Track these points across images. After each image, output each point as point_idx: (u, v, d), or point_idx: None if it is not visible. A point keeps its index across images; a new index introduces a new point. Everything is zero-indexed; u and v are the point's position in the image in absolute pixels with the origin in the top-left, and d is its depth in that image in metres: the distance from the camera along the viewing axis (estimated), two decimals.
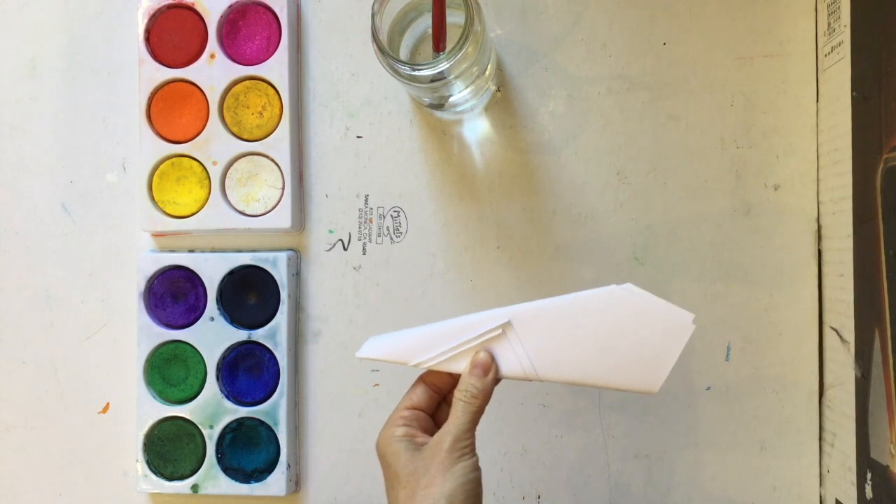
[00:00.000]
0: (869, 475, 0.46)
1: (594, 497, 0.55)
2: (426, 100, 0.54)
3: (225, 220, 0.57)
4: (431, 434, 0.44)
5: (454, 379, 0.44)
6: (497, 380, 0.44)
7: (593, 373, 0.43)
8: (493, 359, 0.43)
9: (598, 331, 0.43)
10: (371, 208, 0.57)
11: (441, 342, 0.44)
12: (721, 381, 0.55)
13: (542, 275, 0.56)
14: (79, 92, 0.60)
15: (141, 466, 0.57)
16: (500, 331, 0.43)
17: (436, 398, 0.45)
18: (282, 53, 0.56)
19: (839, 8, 0.50)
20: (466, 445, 0.42)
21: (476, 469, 0.42)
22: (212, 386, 0.57)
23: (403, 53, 0.52)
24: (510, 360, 0.43)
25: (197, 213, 0.57)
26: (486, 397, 0.43)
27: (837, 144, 0.50)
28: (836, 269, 0.51)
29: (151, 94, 0.57)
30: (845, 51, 0.49)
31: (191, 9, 0.57)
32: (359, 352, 0.45)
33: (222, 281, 0.57)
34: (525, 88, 0.56)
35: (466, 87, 0.51)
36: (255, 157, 0.57)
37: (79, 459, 0.60)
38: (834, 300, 0.52)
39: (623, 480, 0.55)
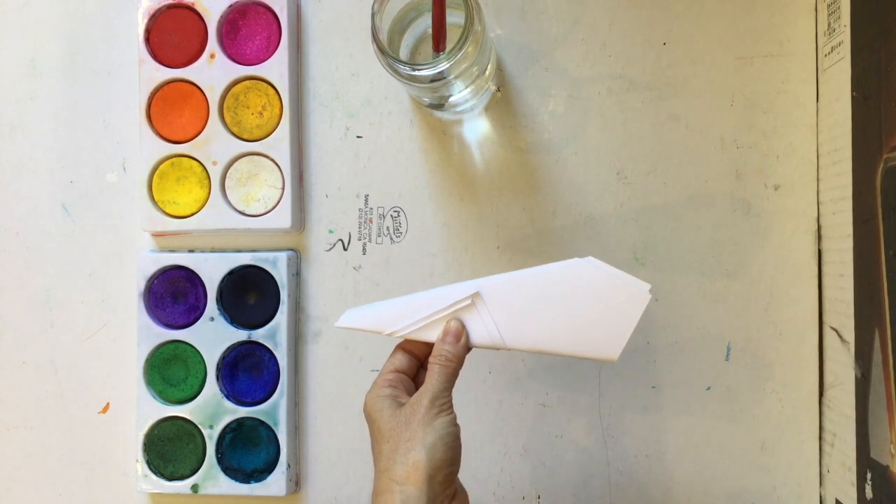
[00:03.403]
0: (869, 475, 0.46)
1: (594, 497, 0.55)
2: (426, 100, 0.54)
3: (225, 220, 0.57)
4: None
5: (429, 347, 0.46)
6: (469, 348, 0.46)
7: (557, 342, 0.45)
8: (463, 326, 0.45)
9: (562, 301, 0.45)
10: (371, 208, 0.57)
11: (414, 312, 0.46)
12: (721, 381, 0.55)
13: None
14: (79, 92, 0.60)
15: (141, 466, 0.57)
16: (469, 301, 0.45)
17: (415, 363, 0.47)
18: (282, 53, 0.56)
19: (839, 8, 0.50)
20: (444, 403, 0.44)
21: (454, 424, 0.44)
22: (212, 386, 0.57)
23: (403, 53, 0.52)
24: (479, 329, 0.46)
25: (197, 213, 0.57)
26: (459, 362, 0.45)
27: (837, 144, 0.50)
28: (836, 269, 0.51)
29: (151, 94, 0.57)
30: (845, 51, 0.49)
31: (191, 9, 0.57)
32: (337, 322, 0.47)
33: (222, 281, 0.57)
34: (525, 88, 0.56)
35: (466, 87, 0.51)
36: (255, 157, 0.57)
37: (79, 459, 0.60)
38: (834, 300, 0.52)
39: (623, 480, 0.55)
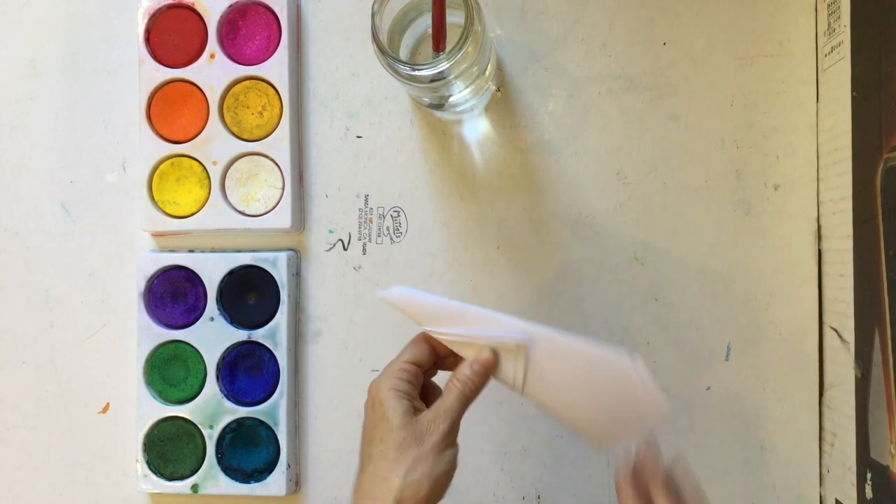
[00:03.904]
0: (869, 475, 0.46)
1: (594, 497, 0.55)
2: (426, 100, 0.54)
3: (225, 220, 0.57)
4: (421, 394, 0.46)
5: (453, 352, 0.46)
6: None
7: (567, 412, 0.46)
8: (496, 363, 0.45)
9: (591, 383, 0.45)
10: (371, 208, 0.57)
11: (460, 323, 0.45)
12: (721, 381, 0.55)
13: (542, 275, 0.56)
14: (79, 92, 0.60)
15: (141, 466, 0.57)
16: (513, 344, 0.45)
17: (433, 359, 0.47)
18: (282, 53, 0.56)
19: (839, 8, 0.50)
20: (455, 435, 0.44)
21: (456, 458, 0.44)
22: (212, 386, 0.57)
23: (403, 53, 0.52)
24: (507, 370, 0.45)
25: (197, 213, 0.57)
26: (478, 392, 0.45)
27: (837, 144, 0.50)
28: (836, 269, 0.51)
29: (151, 94, 0.57)
30: (845, 51, 0.49)
31: (191, 9, 0.57)
32: (382, 292, 0.46)
33: (222, 281, 0.57)
34: (525, 88, 0.56)
35: (466, 87, 0.51)
36: (255, 157, 0.57)
37: (79, 459, 0.60)
38: (834, 300, 0.52)
39: None
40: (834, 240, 0.51)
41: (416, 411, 0.44)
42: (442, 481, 0.42)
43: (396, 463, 0.42)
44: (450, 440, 0.43)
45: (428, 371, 0.47)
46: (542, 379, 0.45)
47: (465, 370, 0.44)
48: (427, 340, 0.46)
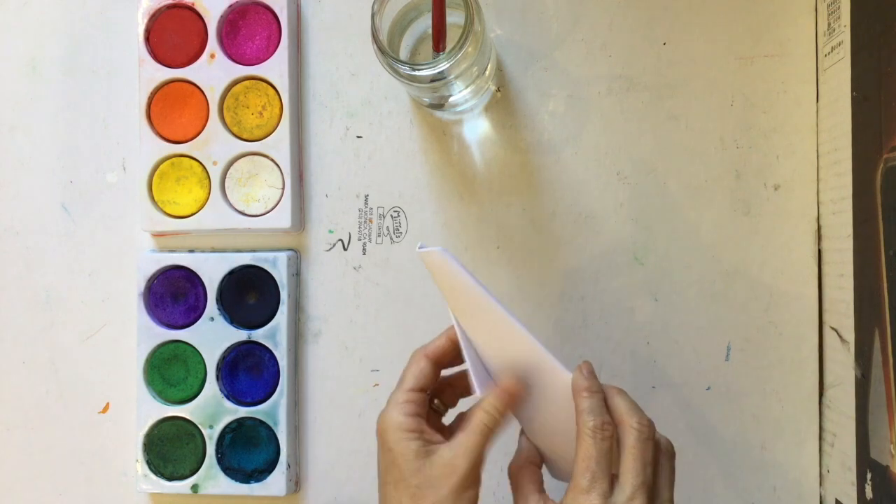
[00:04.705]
0: (869, 475, 0.46)
1: None
2: (426, 100, 0.54)
3: (225, 220, 0.57)
4: (429, 421, 0.43)
5: (455, 354, 0.43)
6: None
7: (546, 439, 0.44)
8: (523, 392, 0.42)
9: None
10: (371, 208, 0.57)
11: (479, 320, 0.42)
12: (721, 381, 0.55)
13: (542, 275, 0.56)
14: (79, 92, 0.60)
15: (141, 466, 0.57)
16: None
17: (437, 374, 0.43)
18: (282, 53, 0.56)
19: (839, 8, 0.50)
20: (479, 471, 0.40)
21: (477, 497, 0.40)
22: (212, 386, 0.57)
23: (403, 53, 0.52)
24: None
25: (197, 213, 0.57)
26: (504, 423, 0.42)
27: (837, 144, 0.50)
28: (836, 269, 0.51)
29: (151, 94, 0.57)
30: (845, 51, 0.49)
31: (191, 9, 0.57)
32: (423, 248, 0.42)
33: (222, 281, 0.57)
34: (525, 88, 0.56)
35: (466, 87, 0.51)
36: (255, 157, 0.57)
37: (79, 459, 0.60)
38: (834, 300, 0.52)
39: None
40: (834, 240, 0.51)
41: (429, 449, 0.40)
42: None
43: None
44: (472, 479, 0.40)
45: (436, 371, 0.44)
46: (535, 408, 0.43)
47: (493, 402, 0.41)
48: (427, 357, 0.43)
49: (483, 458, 0.41)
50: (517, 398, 0.41)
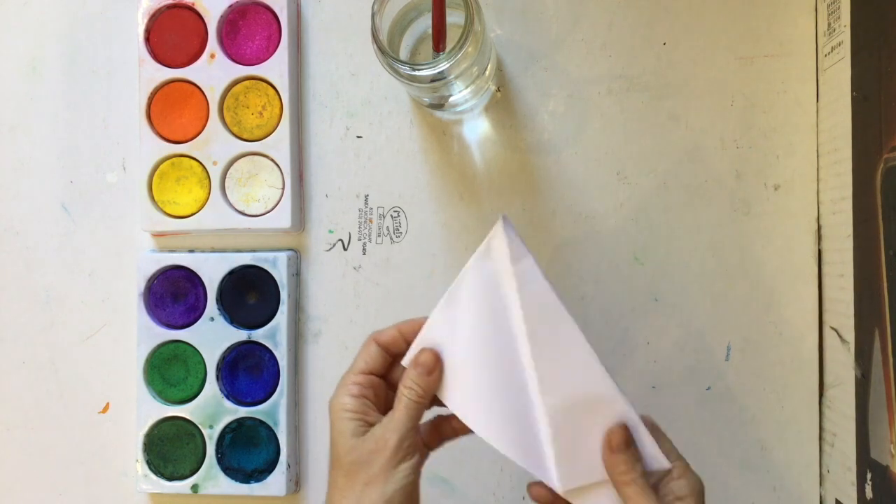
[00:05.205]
0: (869, 475, 0.46)
1: None
2: (426, 100, 0.54)
3: (225, 220, 0.57)
4: (384, 401, 0.44)
5: (407, 345, 0.44)
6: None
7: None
8: (439, 363, 0.43)
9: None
10: (371, 208, 0.57)
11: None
12: (721, 381, 0.55)
13: None
14: (79, 92, 0.60)
15: (141, 466, 0.57)
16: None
17: (389, 361, 0.44)
18: (282, 53, 0.56)
19: (839, 8, 0.50)
20: (410, 444, 0.41)
21: (416, 470, 0.42)
22: (212, 386, 0.57)
23: (403, 53, 0.52)
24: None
25: (197, 213, 0.57)
26: (429, 395, 0.42)
27: (837, 144, 0.50)
28: (836, 269, 0.51)
29: (151, 94, 0.57)
30: (845, 51, 0.49)
31: (191, 9, 0.57)
32: (504, 227, 0.42)
33: (222, 281, 0.57)
34: (525, 88, 0.56)
35: (466, 87, 0.51)
36: (255, 157, 0.57)
37: (79, 459, 0.60)
38: (834, 300, 0.52)
39: None
40: (834, 240, 0.51)
41: (366, 429, 0.41)
42: (399, 498, 0.40)
43: (347, 490, 0.40)
44: (403, 454, 0.41)
45: (390, 373, 0.45)
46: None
47: (410, 374, 0.42)
48: (377, 342, 0.44)
49: (411, 432, 0.41)
50: (430, 368, 0.42)
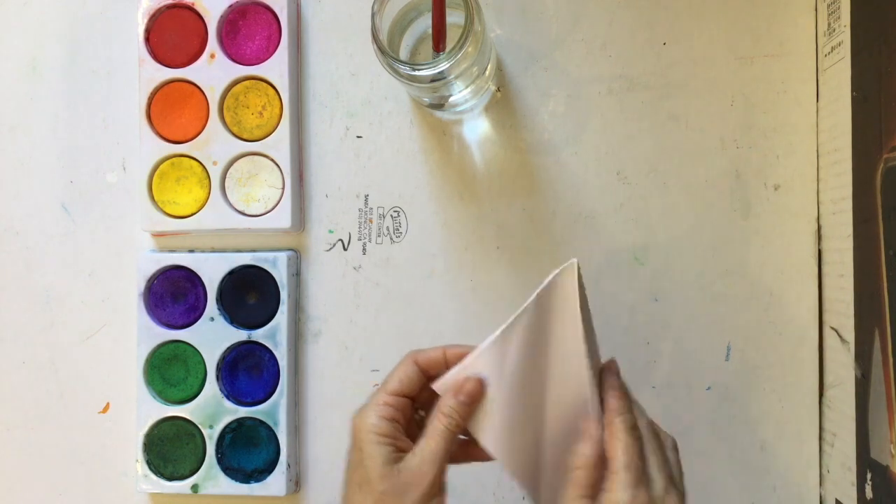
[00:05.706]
0: (869, 475, 0.46)
1: None
2: (426, 100, 0.54)
3: (225, 220, 0.57)
4: (410, 423, 0.42)
5: (446, 370, 0.42)
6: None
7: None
8: (482, 393, 0.41)
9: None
10: (371, 208, 0.57)
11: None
12: (721, 381, 0.55)
13: (542, 275, 0.56)
14: (79, 92, 0.60)
15: (141, 466, 0.57)
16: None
17: (423, 381, 0.43)
18: (282, 53, 0.56)
19: (839, 8, 0.50)
20: (443, 479, 0.40)
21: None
22: (212, 386, 0.57)
23: (403, 53, 0.52)
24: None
25: (197, 213, 0.57)
26: (464, 425, 0.41)
27: (837, 144, 0.50)
28: (836, 269, 0.51)
29: (151, 94, 0.57)
30: (845, 51, 0.49)
31: (191, 9, 0.57)
32: (572, 265, 0.42)
33: (222, 281, 0.57)
34: (525, 88, 0.56)
35: (466, 87, 0.51)
36: (255, 157, 0.57)
37: (79, 459, 0.60)
38: (834, 300, 0.52)
39: None
40: (834, 240, 0.51)
41: (398, 456, 0.40)
42: None
43: None
44: (436, 489, 0.39)
45: (419, 395, 0.43)
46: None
47: (449, 402, 0.40)
48: (416, 362, 0.42)
49: (446, 464, 0.40)
50: (475, 398, 0.41)
